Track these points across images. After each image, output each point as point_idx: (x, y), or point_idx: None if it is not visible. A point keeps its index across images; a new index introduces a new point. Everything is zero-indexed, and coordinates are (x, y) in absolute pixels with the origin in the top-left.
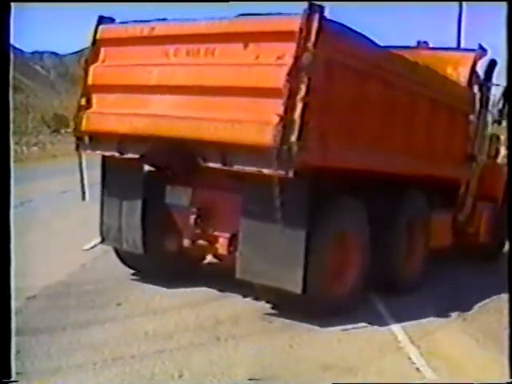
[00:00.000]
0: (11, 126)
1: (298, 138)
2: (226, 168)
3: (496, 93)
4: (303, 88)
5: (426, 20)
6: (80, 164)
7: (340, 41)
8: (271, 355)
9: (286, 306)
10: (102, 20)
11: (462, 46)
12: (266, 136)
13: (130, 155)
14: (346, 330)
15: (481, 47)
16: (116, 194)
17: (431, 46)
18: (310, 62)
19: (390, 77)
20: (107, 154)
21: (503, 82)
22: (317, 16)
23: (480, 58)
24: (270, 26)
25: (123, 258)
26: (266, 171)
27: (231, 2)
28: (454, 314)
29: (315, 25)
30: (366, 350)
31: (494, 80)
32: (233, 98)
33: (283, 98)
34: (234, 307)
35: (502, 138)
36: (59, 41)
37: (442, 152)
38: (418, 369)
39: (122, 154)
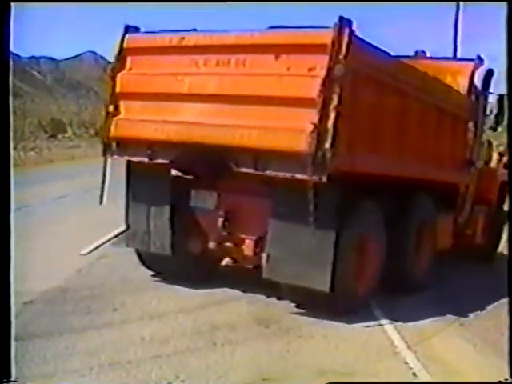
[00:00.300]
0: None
1: (332, 145)
2: (257, 173)
3: (492, 100)
4: (336, 98)
5: (422, 27)
6: (104, 168)
7: (364, 53)
8: (268, 360)
9: (310, 304)
10: (128, 29)
11: (459, 49)
12: (301, 143)
13: (159, 161)
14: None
15: (478, 57)
16: (143, 199)
17: (428, 55)
18: (341, 74)
19: (405, 87)
20: (136, 159)
21: (499, 91)
22: (347, 30)
23: (478, 67)
24: (301, 39)
25: (145, 260)
26: (299, 176)
27: (229, 2)
28: (451, 319)
29: (346, 38)
30: (362, 354)
31: (491, 88)
32: (266, 107)
33: (317, 107)
34: (231, 312)
35: (495, 143)
36: (56, 46)
37: (446, 158)
38: (414, 373)
39: (151, 159)
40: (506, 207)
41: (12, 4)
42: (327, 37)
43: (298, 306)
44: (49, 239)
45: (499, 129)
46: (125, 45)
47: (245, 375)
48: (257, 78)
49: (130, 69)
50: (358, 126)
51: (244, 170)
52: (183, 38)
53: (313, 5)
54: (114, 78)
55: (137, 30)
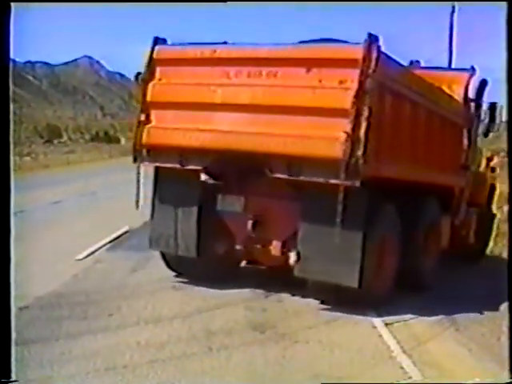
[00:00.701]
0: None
1: (364, 153)
2: (291, 178)
3: (484, 108)
4: (366, 109)
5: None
6: (138, 174)
7: (388, 67)
8: (264, 365)
9: (336, 299)
10: (157, 40)
11: (455, 53)
12: (335, 150)
13: (191, 167)
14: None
15: (472, 68)
16: (170, 203)
17: (423, 65)
18: (372, 87)
19: (417, 97)
20: (167, 165)
21: (491, 99)
22: (376, 46)
23: (472, 77)
24: (331, 54)
25: (169, 262)
26: (333, 181)
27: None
28: (446, 324)
29: (375, 54)
30: (358, 359)
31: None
32: (298, 116)
33: (350, 117)
34: (227, 317)
35: (483, 149)
36: (51, 51)
37: (448, 163)
38: (410, 378)
39: (183, 165)
40: (493, 208)
41: (12, 4)
42: (358, 52)
43: (322, 303)
44: (45, 244)
45: (490, 135)
46: (154, 56)
47: (240, 380)
48: (290, 89)
49: (160, 79)
50: (382, 134)
51: (278, 175)
52: (215, 51)
53: (313, 5)
54: (144, 88)
55: (164, 41)
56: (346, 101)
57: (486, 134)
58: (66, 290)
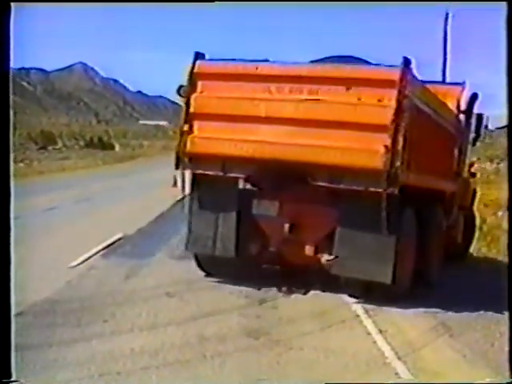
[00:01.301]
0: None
1: (402, 163)
2: (332, 186)
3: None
4: (403, 125)
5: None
6: (183, 180)
7: (417, 87)
8: (258, 372)
9: (367, 295)
10: (198, 55)
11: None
12: (377, 161)
13: (234, 174)
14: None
15: (463, 82)
16: (209, 208)
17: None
18: (408, 105)
19: (432, 113)
20: (209, 173)
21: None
22: (410, 68)
23: (463, 91)
24: (370, 75)
25: (202, 262)
26: (373, 189)
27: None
28: (440, 330)
29: (409, 76)
30: (353, 365)
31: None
32: (339, 130)
33: (389, 132)
34: (221, 324)
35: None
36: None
37: (449, 171)
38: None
39: (225, 173)
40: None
41: (12, 4)
42: (395, 74)
43: (354, 297)
44: (40, 250)
45: (477, 144)
46: (196, 70)
47: None
48: (331, 105)
49: (202, 92)
50: (410, 146)
51: (320, 183)
52: (257, 68)
53: (312, 4)
54: (187, 101)
55: (203, 55)
56: (386, 117)
57: (473, 143)
58: (59, 297)
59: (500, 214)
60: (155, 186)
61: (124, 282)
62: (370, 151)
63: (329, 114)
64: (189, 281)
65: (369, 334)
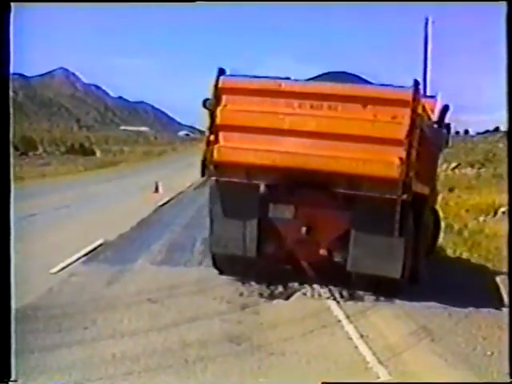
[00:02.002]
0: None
1: (414, 174)
2: (351, 193)
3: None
4: (416, 140)
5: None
6: (210, 188)
7: (423, 105)
8: (239, 377)
9: (374, 289)
10: (221, 71)
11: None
12: (393, 172)
13: (257, 182)
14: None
15: (436, 94)
16: (232, 211)
17: None
18: (420, 123)
19: (426, 126)
20: (234, 180)
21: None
22: (420, 89)
23: (437, 103)
24: (385, 95)
25: (218, 262)
26: (389, 196)
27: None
28: (422, 334)
29: (420, 96)
30: (335, 370)
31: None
32: (357, 143)
33: (404, 146)
34: (203, 330)
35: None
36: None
37: (431, 177)
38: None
39: (250, 180)
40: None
41: (12, 4)
42: (408, 95)
43: (365, 290)
44: (21, 257)
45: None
46: (221, 85)
47: None
48: (350, 121)
49: (225, 105)
50: (417, 158)
51: (339, 190)
52: (280, 85)
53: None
54: (213, 113)
55: (224, 71)
56: (401, 133)
57: (441, 150)
58: (40, 303)
59: (481, 219)
60: (137, 192)
61: (106, 288)
62: (386, 162)
63: (348, 129)
64: (170, 286)
65: (350, 338)
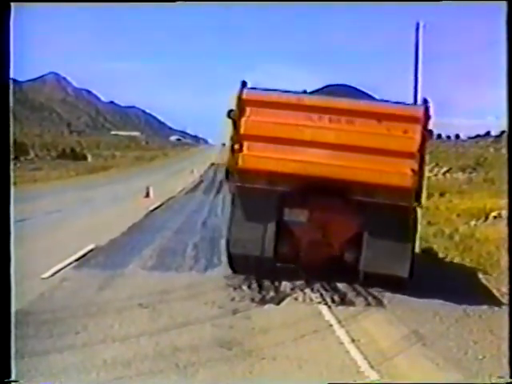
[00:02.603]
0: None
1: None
2: (366, 200)
3: None
4: (425, 153)
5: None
6: (233, 195)
7: None
8: (230, 381)
9: (382, 286)
10: (244, 84)
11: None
12: (406, 181)
13: (279, 188)
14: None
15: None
16: (251, 215)
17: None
18: (429, 137)
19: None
20: (257, 186)
21: None
22: (429, 107)
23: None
24: (398, 111)
25: (234, 262)
26: (402, 203)
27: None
28: (413, 339)
29: (429, 113)
30: (326, 374)
31: None
32: (372, 155)
33: (415, 159)
34: (194, 335)
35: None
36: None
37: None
38: None
39: (271, 187)
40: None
41: (12, 4)
42: (419, 112)
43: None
44: (12, 262)
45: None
46: (244, 97)
47: None
48: (366, 134)
49: (249, 116)
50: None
51: (356, 197)
52: (300, 99)
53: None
54: (237, 123)
55: (245, 84)
56: (413, 146)
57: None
58: (32, 309)
59: (473, 223)
60: (128, 197)
61: (97, 293)
62: (400, 173)
63: (364, 142)
64: (162, 291)
65: (341, 343)
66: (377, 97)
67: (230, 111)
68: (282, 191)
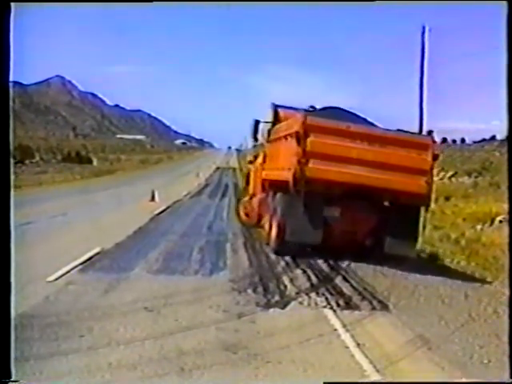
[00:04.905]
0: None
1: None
2: (393, 203)
3: None
4: (434, 170)
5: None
6: (291, 196)
7: None
8: None
9: (399, 264)
10: (276, 105)
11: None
12: (422, 189)
13: (333, 192)
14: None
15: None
16: (303, 211)
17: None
18: (437, 158)
19: None
20: (317, 190)
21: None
22: (433, 136)
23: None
24: (414, 140)
25: (287, 247)
26: (419, 205)
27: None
28: (419, 343)
29: (434, 140)
30: (331, 378)
31: None
32: (398, 171)
33: (428, 174)
34: (199, 338)
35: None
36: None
37: None
38: None
39: (328, 191)
40: None
41: (12, 4)
42: (429, 141)
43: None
44: (17, 265)
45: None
46: (308, 122)
47: None
48: (393, 155)
49: (313, 138)
50: None
51: (385, 202)
52: (348, 127)
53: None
54: (302, 142)
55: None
56: (426, 165)
57: None
58: (37, 312)
59: (479, 227)
60: (133, 200)
61: (102, 296)
62: (418, 184)
63: (392, 160)
64: (167, 295)
65: (347, 347)
66: (369, 119)
67: (257, 123)
68: (324, 195)
